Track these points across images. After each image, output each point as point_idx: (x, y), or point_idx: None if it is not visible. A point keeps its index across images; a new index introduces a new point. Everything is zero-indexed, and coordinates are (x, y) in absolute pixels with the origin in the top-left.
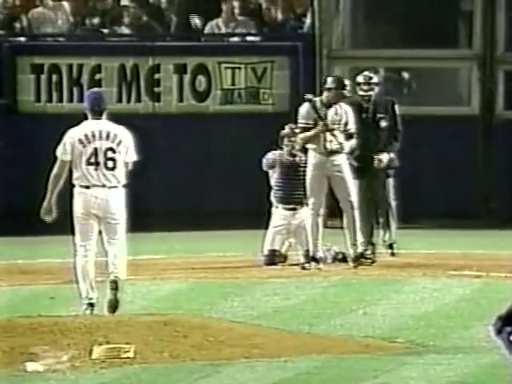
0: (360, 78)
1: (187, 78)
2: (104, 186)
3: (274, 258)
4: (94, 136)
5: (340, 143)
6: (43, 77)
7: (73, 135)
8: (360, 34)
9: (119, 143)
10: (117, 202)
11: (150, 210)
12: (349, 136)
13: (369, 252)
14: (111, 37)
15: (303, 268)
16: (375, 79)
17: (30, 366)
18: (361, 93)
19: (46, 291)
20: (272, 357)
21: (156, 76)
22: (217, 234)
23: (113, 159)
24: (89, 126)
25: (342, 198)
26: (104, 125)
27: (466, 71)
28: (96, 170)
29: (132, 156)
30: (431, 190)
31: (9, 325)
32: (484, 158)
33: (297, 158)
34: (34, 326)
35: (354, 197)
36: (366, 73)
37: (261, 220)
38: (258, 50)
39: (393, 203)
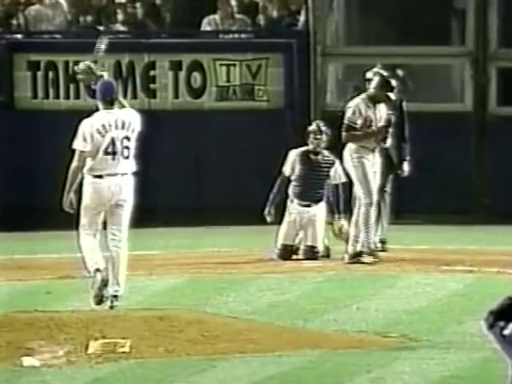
0: (370, 75)
1: (182, 74)
2: (117, 174)
3: (287, 252)
4: (110, 125)
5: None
6: (40, 74)
7: (90, 125)
8: (354, 31)
9: (133, 131)
10: (128, 189)
11: (145, 206)
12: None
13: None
14: (107, 34)
15: (358, 261)
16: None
17: (27, 361)
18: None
19: (42, 286)
20: (267, 351)
21: (151, 73)
22: (213, 230)
23: (128, 147)
24: (103, 116)
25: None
26: (118, 114)
27: (458, 68)
28: (113, 159)
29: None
30: (424, 186)
31: (5, 320)
32: (477, 154)
33: (319, 157)
34: (31, 321)
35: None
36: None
37: (256, 216)
38: (253, 47)
39: (387, 199)
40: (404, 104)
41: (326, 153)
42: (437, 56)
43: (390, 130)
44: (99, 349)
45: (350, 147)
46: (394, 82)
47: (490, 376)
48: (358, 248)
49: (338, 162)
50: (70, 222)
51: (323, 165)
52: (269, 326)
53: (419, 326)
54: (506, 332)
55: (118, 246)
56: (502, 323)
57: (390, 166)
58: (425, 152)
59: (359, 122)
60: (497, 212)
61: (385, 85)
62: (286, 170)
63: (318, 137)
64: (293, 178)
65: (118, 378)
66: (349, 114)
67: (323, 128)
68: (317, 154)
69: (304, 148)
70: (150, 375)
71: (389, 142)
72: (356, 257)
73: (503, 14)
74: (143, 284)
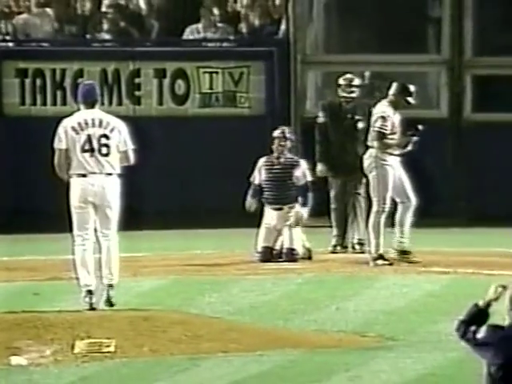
0: (342, 81)
1: (167, 82)
2: (100, 172)
3: (267, 255)
4: (86, 123)
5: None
6: (28, 81)
7: (66, 124)
8: (333, 39)
9: (112, 130)
10: (113, 190)
11: (131, 210)
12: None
13: (339, 248)
14: (93, 42)
15: (376, 264)
16: (356, 82)
17: (14, 360)
18: (343, 94)
19: (30, 287)
20: (248, 351)
21: (136, 80)
22: (196, 232)
23: (107, 145)
24: (81, 114)
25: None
26: (96, 113)
27: (434, 76)
28: (91, 156)
29: (128, 144)
30: None
31: None
32: (452, 158)
33: (282, 160)
34: (19, 322)
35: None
36: (348, 75)
37: (239, 219)
38: (235, 55)
39: (363, 202)
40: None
41: (288, 155)
42: (414, 64)
43: (414, 139)
44: (85, 348)
45: (372, 152)
46: (412, 88)
47: (464, 374)
48: (380, 251)
49: (302, 162)
50: (58, 224)
51: (287, 167)
52: (250, 326)
53: (396, 325)
54: (478, 336)
55: (108, 242)
56: (473, 327)
57: (362, 169)
58: (402, 156)
59: (389, 128)
60: (472, 215)
61: (404, 90)
62: (255, 177)
63: (283, 143)
64: (262, 184)
65: (104, 376)
66: (379, 121)
67: (288, 134)
68: (280, 157)
69: (268, 156)
70: (134, 374)
71: (410, 147)
72: (377, 259)
73: (478, 23)
74: (128, 285)
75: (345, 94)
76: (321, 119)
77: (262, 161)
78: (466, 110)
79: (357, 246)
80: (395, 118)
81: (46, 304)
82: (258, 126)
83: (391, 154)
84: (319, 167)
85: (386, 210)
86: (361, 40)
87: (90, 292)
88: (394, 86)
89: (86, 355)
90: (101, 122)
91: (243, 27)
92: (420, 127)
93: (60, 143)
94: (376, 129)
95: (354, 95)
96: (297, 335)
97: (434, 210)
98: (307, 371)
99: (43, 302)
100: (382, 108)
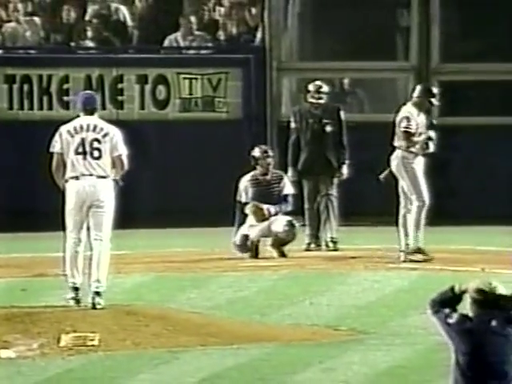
0: (311, 87)
1: (148, 87)
2: (92, 175)
3: (246, 246)
4: (81, 128)
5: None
6: (15, 86)
7: (62, 129)
8: (306, 47)
9: (105, 135)
10: (105, 191)
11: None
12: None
13: (313, 246)
14: (78, 50)
15: (411, 260)
16: (325, 88)
17: (3, 353)
18: (311, 100)
19: (18, 284)
20: (226, 344)
21: (119, 86)
22: (176, 231)
23: (98, 149)
24: (78, 120)
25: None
26: (93, 120)
27: (403, 81)
28: (84, 159)
29: (120, 149)
30: (372, 190)
31: None
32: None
33: (268, 176)
34: (7, 316)
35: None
36: (317, 82)
37: (217, 219)
38: (214, 62)
39: (335, 202)
40: (341, 113)
41: (273, 171)
42: (384, 70)
43: (433, 135)
44: (70, 342)
45: (398, 153)
46: (435, 90)
47: (432, 365)
48: (418, 244)
49: (285, 176)
50: (45, 223)
51: (274, 182)
52: (228, 321)
53: (367, 319)
54: (450, 321)
55: (100, 245)
56: (447, 310)
57: (331, 170)
58: (373, 158)
59: (414, 128)
60: (439, 213)
61: (427, 92)
62: (241, 197)
63: (268, 161)
64: (249, 201)
65: (88, 369)
66: (404, 121)
67: (270, 152)
68: (266, 174)
69: (252, 173)
70: (117, 366)
71: (432, 147)
72: (411, 255)
73: (444, 32)
74: (112, 282)
75: (313, 100)
76: (292, 124)
77: (246, 179)
78: (433, 114)
79: (330, 244)
80: (419, 119)
81: (33, 300)
82: (235, 130)
83: (416, 154)
84: (290, 172)
85: (427, 203)
86: (333, 48)
87: (76, 289)
88: (418, 88)
89: (72, 348)
90: (95, 127)
91: (221, 35)
92: (432, 134)
93: (55, 147)
94: (402, 129)
95: (321, 101)
96: (273, 329)
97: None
98: (283, 363)
99: (30, 298)
100: (407, 109)
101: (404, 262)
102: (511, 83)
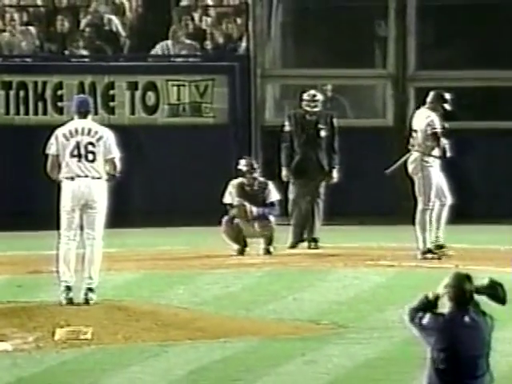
0: (306, 96)
1: (138, 93)
2: (87, 176)
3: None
4: (76, 131)
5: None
6: (12, 92)
7: (58, 132)
8: (289, 55)
9: (99, 139)
10: (99, 192)
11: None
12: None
13: (297, 245)
14: (71, 58)
15: (425, 258)
16: (319, 97)
17: (0, 346)
18: (306, 108)
19: (14, 280)
20: (213, 338)
21: (111, 92)
22: (165, 230)
23: (92, 152)
24: (73, 123)
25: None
26: (87, 123)
27: (381, 88)
28: (79, 161)
29: (114, 152)
30: (353, 191)
31: None
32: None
33: (255, 187)
34: (4, 311)
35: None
36: (311, 91)
37: (204, 219)
38: (201, 69)
39: (321, 204)
40: (334, 120)
41: (258, 180)
42: (362, 77)
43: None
44: (64, 336)
45: (417, 156)
46: (447, 95)
47: (408, 357)
48: (428, 246)
49: (270, 184)
50: (41, 223)
51: (257, 191)
52: (215, 316)
53: (347, 314)
54: (423, 321)
55: (93, 243)
56: (420, 314)
57: (322, 173)
58: (353, 161)
59: (439, 130)
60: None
61: (440, 98)
62: (227, 199)
63: (254, 175)
64: (233, 202)
65: (81, 361)
66: (431, 124)
67: (255, 165)
68: (253, 185)
69: (239, 180)
70: (109, 359)
71: (449, 152)
72: (426, 253)
73: (420, 41)
74: (103, 278)
75: (308, 109)
76: (286, 128)
77: (233, 185)
78: (409, 119)
79: (312, 244)
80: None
81: (28, 295)
82: (222, 134)
83: (434, 157)
84: (284, 172)
85: (431, 207)
86: (315, 56)
87: (68, 288)
88: (431, 94)
89: (66, 342)
90: (89, 131)
91: (208, 44)
92: (445, 141)
93: (50, 149)
94: (431, 131)
95: (316, 109)
96: (257, 324)
97: (382, 209)
98: (267, 356)
99: (26, 294)
100: (427, 113)
101: (422, 259)
102: (482, 89)
